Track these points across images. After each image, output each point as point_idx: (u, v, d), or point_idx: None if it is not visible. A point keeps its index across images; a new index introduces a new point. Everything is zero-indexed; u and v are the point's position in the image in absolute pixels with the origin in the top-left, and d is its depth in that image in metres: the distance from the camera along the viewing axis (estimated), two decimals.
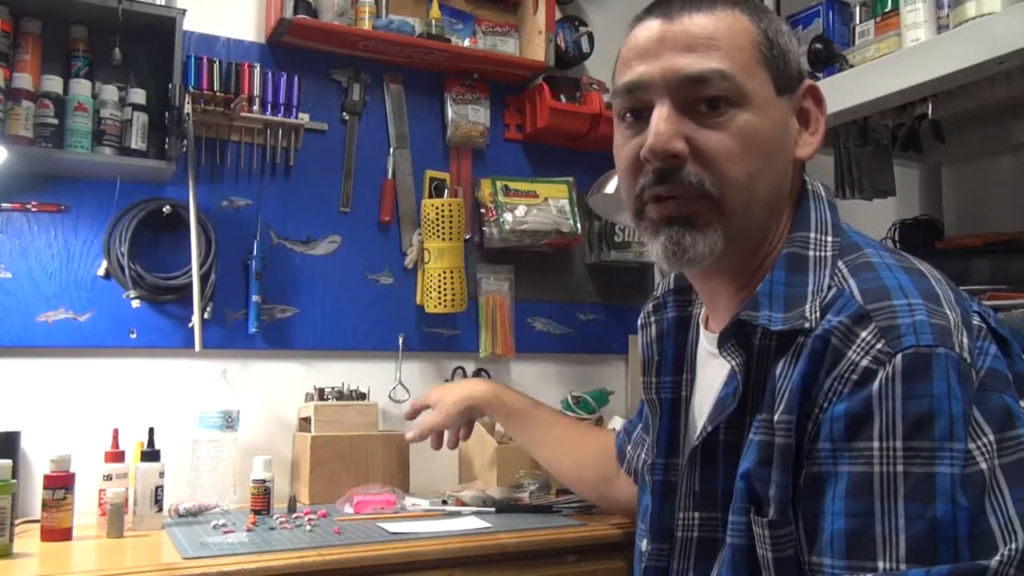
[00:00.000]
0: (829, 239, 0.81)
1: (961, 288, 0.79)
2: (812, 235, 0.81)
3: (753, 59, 0.79)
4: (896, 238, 2.05)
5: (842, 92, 1.68)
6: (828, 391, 0.70)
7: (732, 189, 0.78)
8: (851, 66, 1.71)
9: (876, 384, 0.67)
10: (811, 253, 0.79)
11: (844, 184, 1.90)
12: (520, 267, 2.15)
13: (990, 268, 1.72)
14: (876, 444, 0.67)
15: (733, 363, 0.79)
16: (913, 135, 1.91)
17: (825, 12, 1.84)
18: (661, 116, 0.78)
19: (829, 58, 1.75)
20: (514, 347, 2.11)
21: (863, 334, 0.69)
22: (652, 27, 0.81)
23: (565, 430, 1.47)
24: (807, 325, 0.74)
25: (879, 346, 0.68)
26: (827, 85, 1.76)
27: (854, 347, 0.69)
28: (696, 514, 0.85)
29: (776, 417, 0.73)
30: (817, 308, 0.75)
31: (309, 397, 1.83)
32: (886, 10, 1.67)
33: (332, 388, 1.82)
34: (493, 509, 1.62)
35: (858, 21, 1.77)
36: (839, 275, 0.77)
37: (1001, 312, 1.43)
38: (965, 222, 2.08)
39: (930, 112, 1.74)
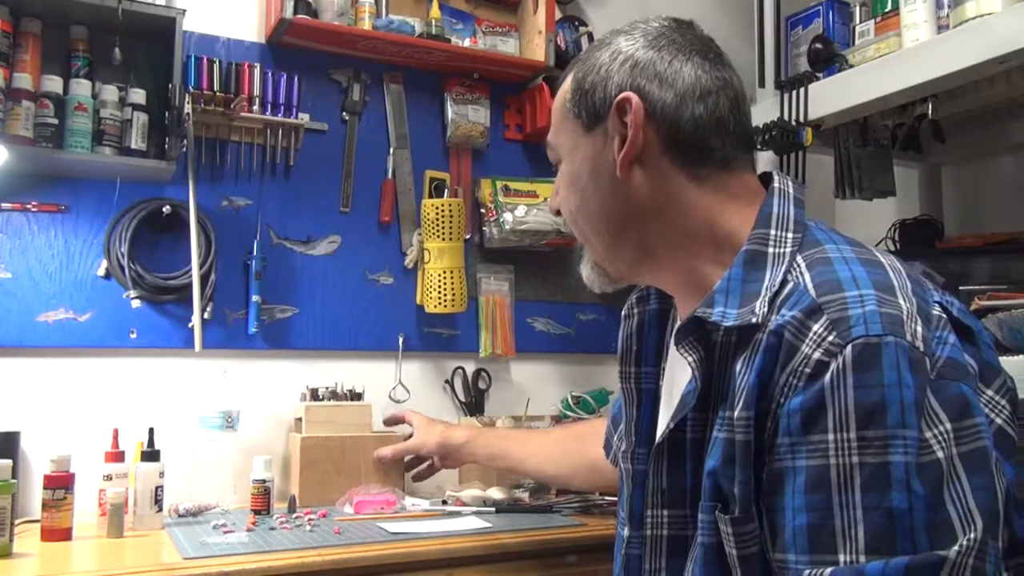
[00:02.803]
0: (789, 235, 0.81)
1: (961, 288, 0.79)
2: (772, 232, 0.81)
3: (561, 117, 0.92)
4: (896, 238, 2.05)
5: (842, 92, 1.68)
6: (784, 386, 0.71)
7: (571, 224, 0.94)
8: (851, 66, 1.71)
9: (828, 376, 0.68)
10: (770, 250, 0.80)
11: (844, 184, 1.90)
12: (520, 267, 2.15)
13: (990, 268, 1.73)
14: (831, 436, 0.67)
15: (689, 359, 0.80)
16: (913, 135, 1.91)
17: (825, 12, 1.84)
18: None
19: (829, 58, 1.75)
20: (514, 347, 2.11)
21: (815, 327, 0.70)
22: None
23: (538, 438, 1.60)
24: (754, 320, 0.75)
25: (830, 338, 0.69)
26: (827, 85, 1.76)
27: (807, 341, 0.70)
28: (665, 511, 0.85)
29: (735, 414, 0.74)
30: (766, 303, 0.75)
31: (303, 397, 1.81)
32: (886, 10, 1.67)
33: (326, 388, 1.80)
34: (493, 509, 1.62)
35: (858, 21, 1.78)
36: (796, 270, 0.77)
37: (1001, 312, 1.43)
38: (965, 222, 2.08)
39: (930, 112, 1.75)
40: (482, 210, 2.09)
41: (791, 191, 0.85)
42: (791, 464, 0.69)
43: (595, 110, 0.87)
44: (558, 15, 2.15)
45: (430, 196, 2.04)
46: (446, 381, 2.05)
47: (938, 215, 2.11)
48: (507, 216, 2.04)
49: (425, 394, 2.03)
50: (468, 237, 2.06)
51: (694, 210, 0.85)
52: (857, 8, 1.78)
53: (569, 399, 2.07)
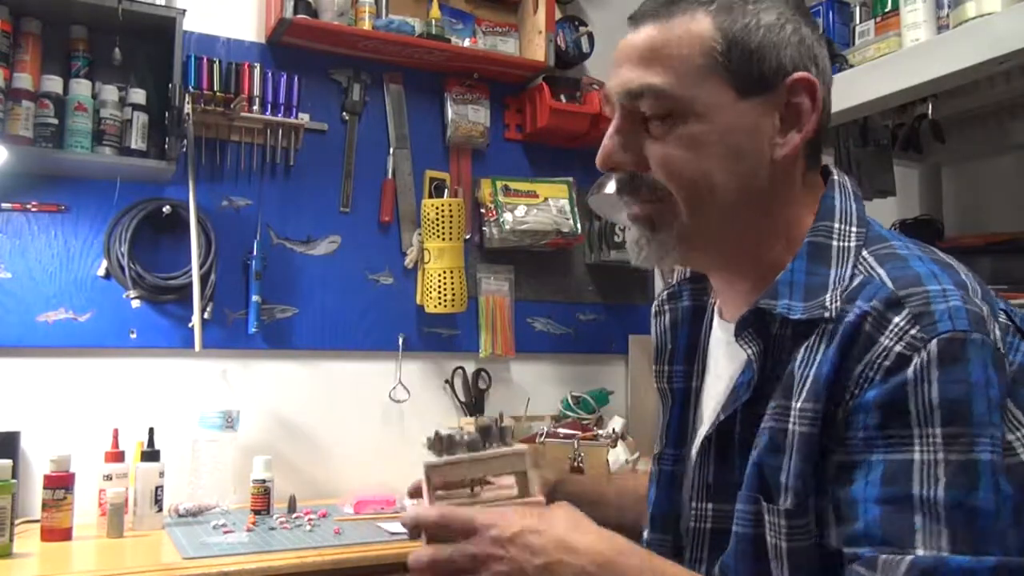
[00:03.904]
0: (854, 229, 0.79)
1: None
2: (836, 225, 0.79)
3: (700, 67, 0.76)
4: None
5: (842, 92, 1.67)
6: (859, 378, 0.69)
7: (683, 193, 0.78)
8: (851, 66, 1.71)
9: (911, 370, 0.66)
10: (835, 243, 0.78)
11: None
12: (520, 267, 2.15)
13: (990, 268, 1.72)
14: (914, 432, 0.66)
15: (749, 352, 0.78)
16: (913, 135, 1.91)
17: (825, 12, 1.84)
18: (610, 130, 0.80)
19: (829, 58, 1.75)
20: (514, 347, 2.11)
21: (896, 319, 0.68)
22: (624, 37, 0.82)
23: (633, 483, 1.19)
24: (827, 315, 0.72)
25: (913, 332, 0.67)
26: None
27: (887, 333, 0.68)
28: (709, 505, 0.83)
29: (799, 405, 0.71)
30: (838, 298, 0.73)
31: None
32: (886, 10, 1.67)
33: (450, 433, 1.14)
34: None
35: (858, 21, 1.77)
36: (864, 264, 0.75)
37: None
38: (965, 222, 2.07)
39: (930, 112, 1.74)
40: (482, 210, 2.09)
41: (849, 186, 0.84)
42: (866, 457, 0.67)
43: (761, 77, 0.76)
44: (558, 15, 2.15)
45: (430, 196, 2.04)
46: (446, 381, 2.05)
47: (938, 215, 2.11)
48: (507, 216, 2.04)
49: (425, 394, 2.03)
50: (468, 237, 2.06)
51: (792, 203, 0.81)
52: (857, 8, 1.78)
53: (569, 399, 2.07)
